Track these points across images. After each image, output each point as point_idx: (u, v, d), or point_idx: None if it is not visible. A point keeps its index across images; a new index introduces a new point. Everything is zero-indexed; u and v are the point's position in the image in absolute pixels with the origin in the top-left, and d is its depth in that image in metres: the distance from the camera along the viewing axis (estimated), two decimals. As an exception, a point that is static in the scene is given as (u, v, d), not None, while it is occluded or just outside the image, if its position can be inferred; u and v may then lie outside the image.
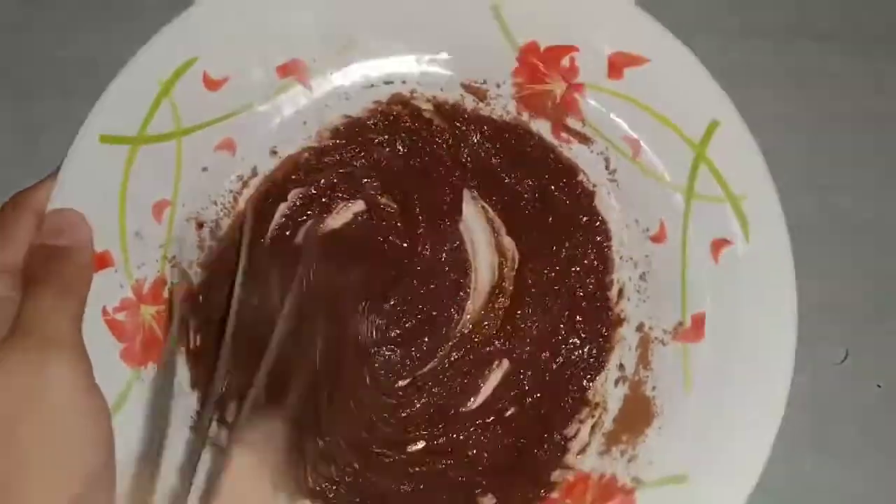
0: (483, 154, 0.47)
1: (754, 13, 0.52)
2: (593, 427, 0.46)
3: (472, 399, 0.48)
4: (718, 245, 0.44)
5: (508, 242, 0.48)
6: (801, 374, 0.47)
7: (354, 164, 0.48)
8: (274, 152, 0.47)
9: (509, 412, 0.47)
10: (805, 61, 0.52)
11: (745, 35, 0.52)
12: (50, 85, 0.49)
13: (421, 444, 0.47)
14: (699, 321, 0.44)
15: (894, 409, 0.50)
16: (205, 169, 0.45)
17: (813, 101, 0.52)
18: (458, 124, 0.47)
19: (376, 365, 0.48)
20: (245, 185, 0.47)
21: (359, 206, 0.48)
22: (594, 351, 0.47)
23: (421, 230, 0.48)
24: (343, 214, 0.48)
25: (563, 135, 0.46)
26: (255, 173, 0.47)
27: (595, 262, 0.47)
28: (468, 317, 0.48)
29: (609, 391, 0.47)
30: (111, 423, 0.40)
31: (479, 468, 0.47)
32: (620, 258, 0.47)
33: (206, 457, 0.44)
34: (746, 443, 0.42)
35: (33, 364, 0.38)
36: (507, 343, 0.48)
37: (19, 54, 0.51)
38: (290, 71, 0.45)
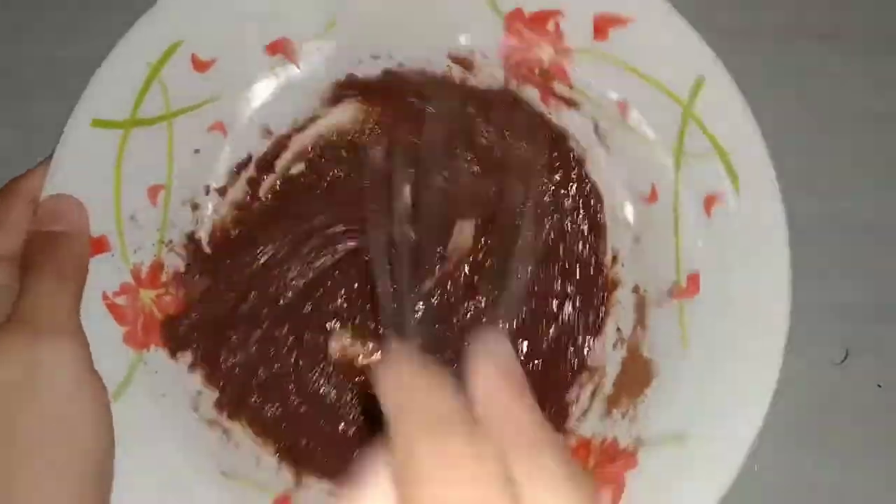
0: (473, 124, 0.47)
1: (754, 13, 0.52)
2: (593, 391, 0.46)
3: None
4: (710, 201, 0.43)
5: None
6: (801, 373, 0.47)
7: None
8: (267, 131, 0.47)
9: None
10: (805, 61, 0.52)
11: (745, 35, 0.51)
12: (50, 85, 0.49)
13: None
14: (694, 280, 0.44)
15: (894, 409, 0.50)
16: (197, 151, 0.46)
17: (813, 101, 0.51)
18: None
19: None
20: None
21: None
22: (591, 315, 0.47)
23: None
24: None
25: (552, 100, 0.46)
26: (247, 153, 0.47)
27: (588, 228, 0.47)
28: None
29: (607, 355, 0.46)
30: (111, 410, 0.40)
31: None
32: (613, 222, 0.47)
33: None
34: (745, 398, 0.42)
35: (32, 352, 0.38)
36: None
37: (19, 54, 0.51)
38: (279, 49, 0.45)
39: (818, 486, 0.49)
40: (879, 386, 0.50)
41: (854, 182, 0.51)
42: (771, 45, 0.52)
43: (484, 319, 0.45)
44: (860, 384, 0.50)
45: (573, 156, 0.47)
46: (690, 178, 0.44)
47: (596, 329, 0.47)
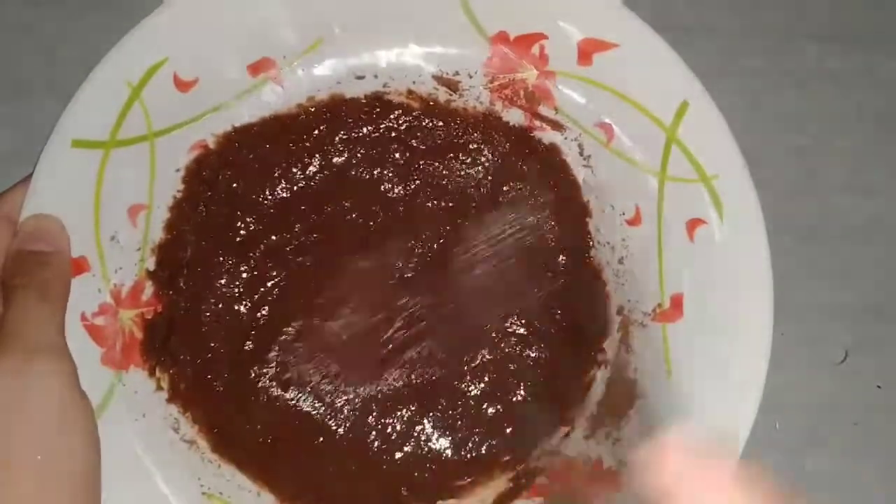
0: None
1: (754, 13, 0.52)
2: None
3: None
4: (693, 225, 0.44)
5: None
6: (801, 374, 0.47)
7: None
8: (248, 151, 0.46)
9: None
10: (805, 61, 0.52)
11: (745, 35, 0.52)
12: (50, 85, 0.49)
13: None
14: (678, 302, 0.45)
15: (894, 409, 0.50)
16: (178, 170, 0.45)
17: (813, 101, 0.52)
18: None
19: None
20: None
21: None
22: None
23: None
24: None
25: (537, 123, 0.46)
26: (230, 173, 0.47)
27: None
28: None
29: (592, 375, 0.47)
30: (97, 429, 0.40)
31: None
32: (598, 243, 0.47)
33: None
34: (728, 420, 0.42)
35: (19, 371, 0.38)
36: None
37: (19, 54, 0.51)
38: (261, 69, 0.45)
39: (818, 485, 0.49)
40: (879, 386, 0.50)
41: (854, 182, 0.52)
42: (771, 45, 0.52)
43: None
44: (860, 384, 0.50)
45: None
46: (674, 202, 0.44)
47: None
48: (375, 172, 0.47)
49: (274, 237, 0.47)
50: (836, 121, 0.52)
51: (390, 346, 0.47)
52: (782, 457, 0.49)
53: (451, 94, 0.46)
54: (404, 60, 0.45)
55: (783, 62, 0.52)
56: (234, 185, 0.46)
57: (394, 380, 0.47)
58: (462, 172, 0.47)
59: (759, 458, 0.46)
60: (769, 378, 0.42)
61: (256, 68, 0.45)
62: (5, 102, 0.50)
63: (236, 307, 0.47)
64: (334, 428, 0.47)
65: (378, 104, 0.47)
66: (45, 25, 0.51)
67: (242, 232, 0.47)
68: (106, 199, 0.43)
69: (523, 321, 0.47)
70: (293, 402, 0.46)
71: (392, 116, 0.47)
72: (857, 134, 0.52)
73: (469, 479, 0.47)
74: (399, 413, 0.47)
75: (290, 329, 0.47)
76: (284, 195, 0.47)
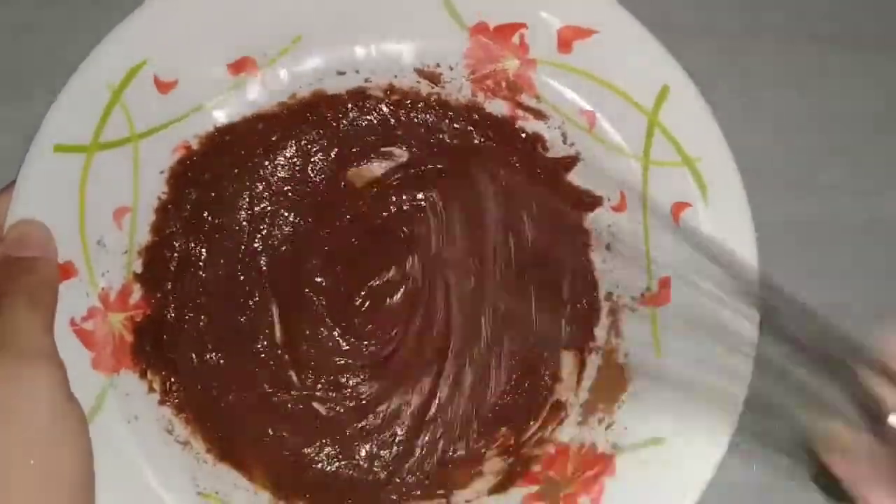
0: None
1: (754, 13, 0.53)
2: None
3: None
4: (678, 209, 0.44)
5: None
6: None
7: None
8: (232, 150, 0.46)
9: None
10: (805, 61, 0.52)
11: (745, 35, 0.52)
12: (50, 85, 0.49)
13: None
14: (665, 286, 0.45)
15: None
16: (163, 172, 0.45)
17: (813, 101, 0.52)
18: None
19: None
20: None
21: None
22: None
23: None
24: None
25: (519, 112, 0.46)
26: (214, 172, 0.46)
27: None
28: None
29: (583, 362, 0.47)
30: (89, 434, 0.40)
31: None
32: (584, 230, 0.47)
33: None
34: (720, 402, 0.42)
35: (8, 377, 0.38)
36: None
37: (19, 54, 0.51)
38: (242, 68, 0.45)
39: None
40: (879, 387, 0.50)
41: (854, 182, 0.52)
42: (771, 45, 0.52)
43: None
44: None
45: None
46: (658, 186, 0.45)
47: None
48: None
49: (260, 236, 0.47)
50: (836, 121, 0.52)
51: (389, 345, 0.47)
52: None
53: (432, 87, 0.46)
54: (385, 55, 0.45)
55: (783, 62, 0.52)
56: (219, 185, 0.46)
57: (392, 379, 0.47)
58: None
59: (759, 457, 0.47)
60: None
61: (237, 67, 0.45)
62: (5, 102, 0.50)
63: (225, 307, 0.47)
64: (331, 424, 0.47)
65: (360, 99, 0.47)
66: (45, 25, 0.51)
67: (227, 232, 0.47)
68: (91, 203, 0.43)
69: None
70: (288, 400, 0.47)
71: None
72: (857, 134, 0.52)
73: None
74: (397, 409, 0.47)
75: (282, 327, 0.47)
76: (270, 191, 0.47)
